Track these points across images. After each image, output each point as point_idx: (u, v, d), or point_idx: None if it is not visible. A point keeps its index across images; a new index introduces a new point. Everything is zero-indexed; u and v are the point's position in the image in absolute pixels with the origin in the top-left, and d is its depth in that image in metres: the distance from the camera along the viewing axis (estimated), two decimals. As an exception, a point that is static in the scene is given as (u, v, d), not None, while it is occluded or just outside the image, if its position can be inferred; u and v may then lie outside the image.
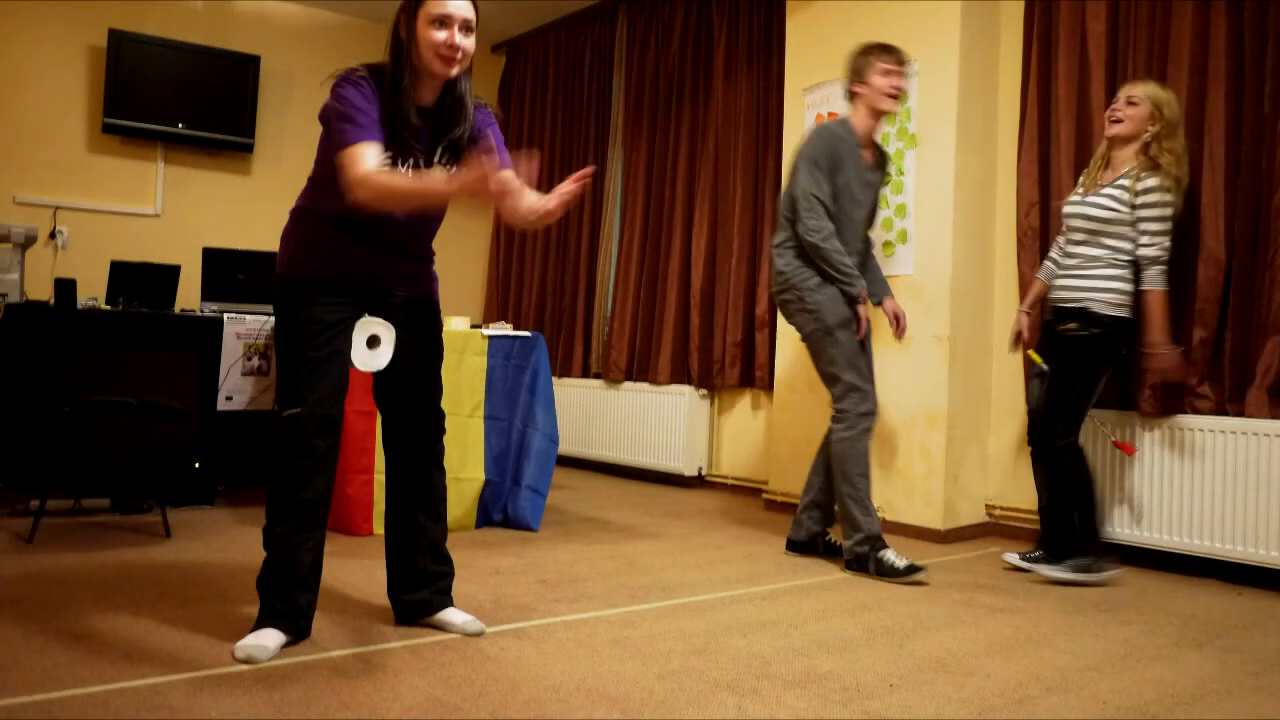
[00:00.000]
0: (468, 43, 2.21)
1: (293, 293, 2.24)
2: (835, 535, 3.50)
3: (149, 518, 3.73)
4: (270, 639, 2.15)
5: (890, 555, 3.15)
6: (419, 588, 2.41)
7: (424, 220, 2.33)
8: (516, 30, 6.66)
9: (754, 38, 5.10)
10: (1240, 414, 3.26)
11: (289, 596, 2.21)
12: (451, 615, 2.40)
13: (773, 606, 2.77)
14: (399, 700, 1.90)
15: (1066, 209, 3.33)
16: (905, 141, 4.12)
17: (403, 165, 2.22)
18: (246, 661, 2.09)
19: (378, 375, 2.36)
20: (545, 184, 7.16)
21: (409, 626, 2.40)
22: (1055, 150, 3.83)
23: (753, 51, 5.10)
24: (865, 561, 3.18)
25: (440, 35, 2.15)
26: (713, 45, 5.36)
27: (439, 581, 2.43)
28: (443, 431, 2.43)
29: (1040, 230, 3.89)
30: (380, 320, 2.26)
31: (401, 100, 2.17)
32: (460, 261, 6.74)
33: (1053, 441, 3.22)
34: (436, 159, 2.28)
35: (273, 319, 2.98)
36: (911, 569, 3.11)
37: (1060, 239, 3.45)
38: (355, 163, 2.07)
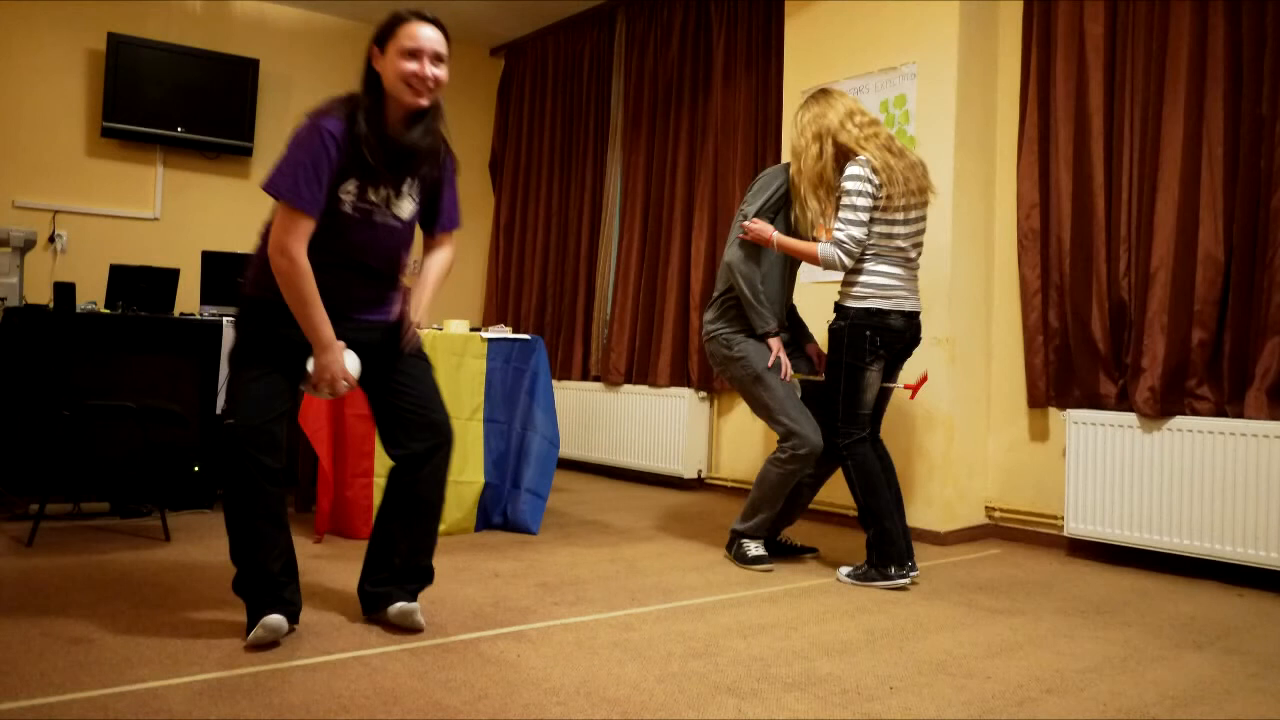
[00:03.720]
0: (439, 72, 2.23)
1: (252, 313, 2.28)
2: (807, 540, 3.51)
3: (148, 521, 3.72)
4: (275, 620, 2.21)
5: (749, 545, 3.34)
6: (387, 584, 2.44)
7: (396, 247, 2.37)
8: (515, 33, 6.67)
9: (753, 40, 5.11)
10: (1239, 415, 3.26)
11: (273, 596, 2.26)
12: (398, 605, 2.41)
13: (773, 609, 2.76)
14: (399, 704, 1.89)
15: None
16: (904, 143, 4.12)
17: (373, 193, 2.26)
18: (266, 644, 2.15)
19: (376, 402, 2.41)
20: (545, 187, 7.10)
21: (374, 622, 2.41)
22: (1054, 152, 3.84)
23: (752, 54, 5.11)
24: (732, 543, 3.42)
25: (411, 66, 2.18)
26: (711, 48, 5.37)
27: (408, 585, 2.45)
28: (451, 444, 2.45)
29: (1041, 232, 3.89)
30: (343, 346, 2.28)
31: (371, 130, 2.20)
32: (460, 265, 6.75)
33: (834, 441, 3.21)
34: (405, 190, 2.32)
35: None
36: (758, 559, 3.29)
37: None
38: (292, 235, 2.14)
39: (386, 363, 2.38)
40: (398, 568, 2.43)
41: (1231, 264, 3.32)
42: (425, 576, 2.47)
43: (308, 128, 2.17)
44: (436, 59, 2.22)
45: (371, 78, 2.23)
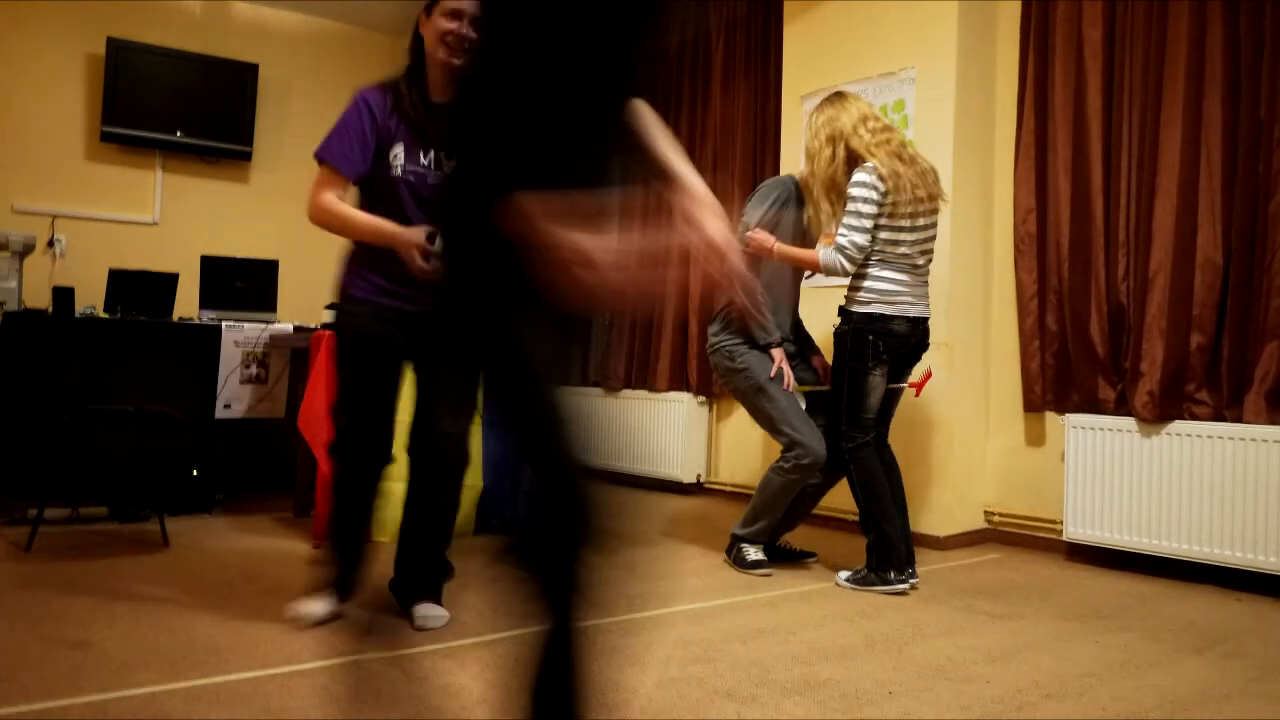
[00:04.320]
0: (475, 36, 2.32)
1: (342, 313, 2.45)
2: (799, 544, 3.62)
3: (147, 526, 3.72)
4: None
5: (749, 550, 3.35)
6: (417, 574, 2.52)
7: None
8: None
9: (752, 45, 5.11)
10: (1238, 420, 3.26)
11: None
12: (417, 609, 2.46)
13: (772, 613, 2.76)
14: (398, 708, 1.89)
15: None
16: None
17: (421, 156, 2.38)
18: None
19: (424, 375, 2.50)
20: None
21: (401, 619, 2.41)
22: (1052, 157, 3.84)
23: (750, 58, 5.12)
24: (732, 548, 3.42)
25: (449, 24, 2.32)
26: (710, 52, 5.38)
27: (433, 579, 2.54)
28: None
29: (1038, 236, 3.90)
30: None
31: (410, 90, 2.36)
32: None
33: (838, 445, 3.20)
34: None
35: (271, 327, 2.99)
36: (757, 564, 3.31)
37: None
38: (320, 190, 2.35)
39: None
40: (426, 565, 2.52)
41: (1230, 268, 3.32)
42: (444, 569, 2.59)
43: (351, 100, 2.38)
44: (475, 24, 2.31)
45: (416, 43, 2.39)
